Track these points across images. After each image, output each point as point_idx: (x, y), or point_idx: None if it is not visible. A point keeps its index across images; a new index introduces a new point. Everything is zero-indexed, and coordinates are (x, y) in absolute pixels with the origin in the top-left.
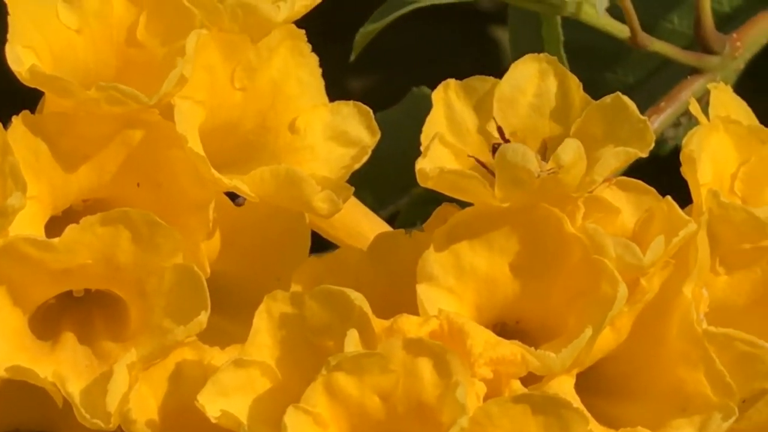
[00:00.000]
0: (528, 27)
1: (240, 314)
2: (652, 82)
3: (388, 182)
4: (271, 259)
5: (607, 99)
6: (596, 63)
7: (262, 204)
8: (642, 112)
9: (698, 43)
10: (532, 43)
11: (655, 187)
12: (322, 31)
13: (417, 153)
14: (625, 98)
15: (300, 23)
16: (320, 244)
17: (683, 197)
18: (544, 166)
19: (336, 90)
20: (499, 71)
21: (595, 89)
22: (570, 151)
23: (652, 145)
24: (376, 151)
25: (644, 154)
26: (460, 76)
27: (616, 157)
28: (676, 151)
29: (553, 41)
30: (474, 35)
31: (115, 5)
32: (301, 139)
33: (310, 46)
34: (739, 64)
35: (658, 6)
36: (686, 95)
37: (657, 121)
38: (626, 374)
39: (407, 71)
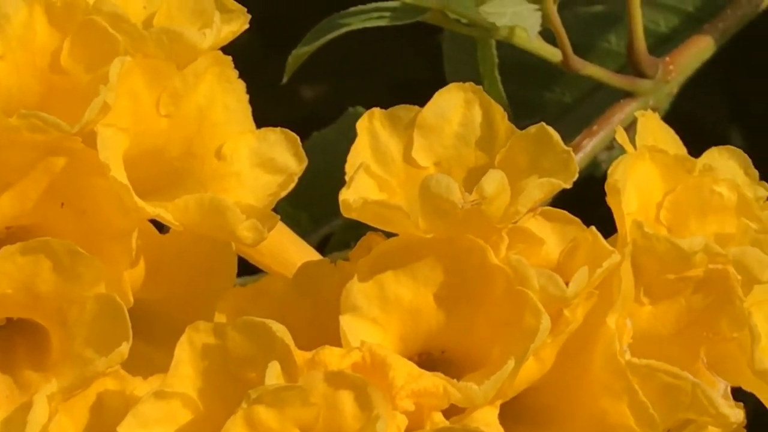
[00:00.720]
0: (463, 49)
1: (166, 342)
2: (590, 102)
3: (324, 202)
4: (197, 287)
5: (532, 129)
6: (533, 81)
7: (186, 232)
8: (579, 131)
9: (631, 67)
10: (467, 64)
11: (588, 210)
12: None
13: None
14: (549, 129)
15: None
16: (250, 267)
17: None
18: (467, 198)
19: (288, 98)
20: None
21: (532, 108)
22: (493, 182)
23: (576, 175)
24: (312, 171)
25: (567, 185)
26: (411, 85)
27: (540, 188)
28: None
29: (488, 63)
30: (425, 45)
31: (38, 31)
32: (228, 165)
33: (236, 72)
34: (672, 88)
35: (595, 26)
36: (619, 118)
37: (590, 145)
38: (550, 404)
39: (359, 78)
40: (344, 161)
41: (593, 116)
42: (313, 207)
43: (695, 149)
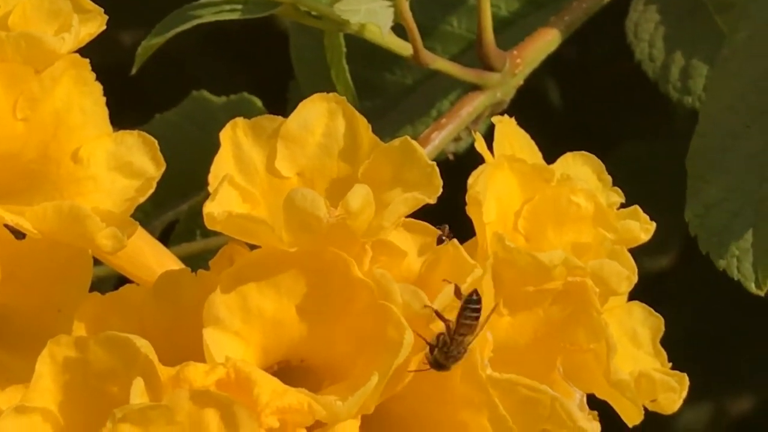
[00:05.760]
0: (311, 37)
1: (22, 347)
2: (431, 84)
3: (166, 185)
4: (53, 292)
5: (396, 142)
6: (375, 63)
7: (45, 238)
8: (421, 113)
9: (479, 60)
10: (314, 51)
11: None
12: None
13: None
14: (413, 142)
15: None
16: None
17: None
18: (332, 212)
19: (105, 44)
20: None
21: (373, 89)
22: (359, 197)
23: (440, 190)
24: None
25: (432, 201)
26: (226, 34)
27: (405, 203)
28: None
29: (336, 52)
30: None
31: None
32: (84, 169)
33: (93, 74)
34: (519, 80)
35: (437, 9)
36: (467, 111)
37: (438, 138)
38: (411, 415)
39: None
40: (187, 145)
41: (435, 99)
42: (157, 191)
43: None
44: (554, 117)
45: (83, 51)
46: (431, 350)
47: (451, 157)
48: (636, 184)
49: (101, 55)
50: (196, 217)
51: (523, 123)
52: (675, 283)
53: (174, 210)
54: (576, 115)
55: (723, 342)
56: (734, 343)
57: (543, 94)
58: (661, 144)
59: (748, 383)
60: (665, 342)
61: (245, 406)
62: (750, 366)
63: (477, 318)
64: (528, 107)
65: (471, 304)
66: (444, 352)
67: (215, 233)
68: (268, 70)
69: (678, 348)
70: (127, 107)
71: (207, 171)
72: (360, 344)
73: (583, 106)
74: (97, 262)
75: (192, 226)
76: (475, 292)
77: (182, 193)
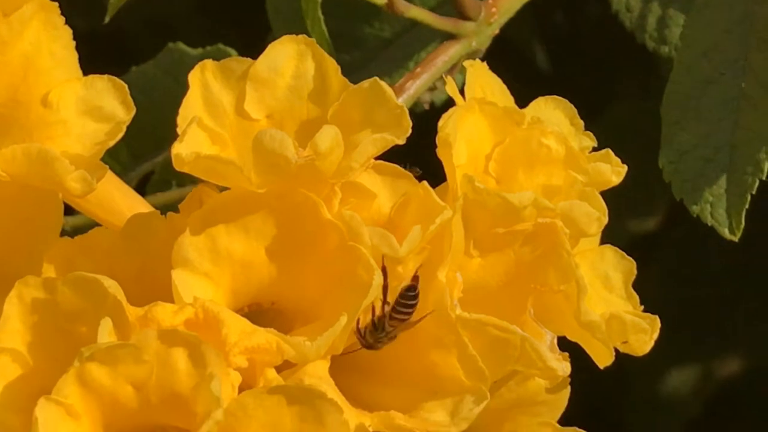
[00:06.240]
0: None
1: None
2: (408, 37)
3: (143, 137)
4: (23, 236)
5: (365, 84)
6: (353, 16)
7: (14, 181)
8: (398, 66)
9: (455, 8)
10: (290, 3)
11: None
12: None
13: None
14: (383, 84)
15: None
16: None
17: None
18: (301, 153)
19: None
20: None
21: (351, 42)
22: (327, 138)
23: (409, 131)
24: None
25: (401, 141)
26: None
27: (374, 144)
28: (431, 111)
29: (310, 1)
30: None
31: None
32: (54, 113)
33: (63, 18)
34: (494, 30)
35: None
36: (442, 60)
37: (413, 87)
38: (381, 356)
39: None
40: (163, 96)
41: (413, 51)
42: (133, 143)
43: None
44: (542, 81)
45: (70, 13)
46: (363, 331)
47: (426, 106)
48: (624, 144)
49: (87, 22)
50: (171, 167)
51: (511, 87)
52: (662, 245)
53: (150, 161)
54: (564, 80)
55: (710, 304)
56: (721, 306)
57: (531, 59)
58: (649, 104)
59: (735, 345)
60: (652, 305)
61: (213, 346)
62: (737, 328)
63: (410, 314)
64: (516, 72)
65: (405, 300)
66: (375, 335)
67: (191, 182)
68: (258, 31)
69: (665, 311)
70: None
71: None
72: (329, 286)
73: (572, 70)
74: (72, 211)
75: (167, 176)
76: (412, 287)
77: (158, 144)
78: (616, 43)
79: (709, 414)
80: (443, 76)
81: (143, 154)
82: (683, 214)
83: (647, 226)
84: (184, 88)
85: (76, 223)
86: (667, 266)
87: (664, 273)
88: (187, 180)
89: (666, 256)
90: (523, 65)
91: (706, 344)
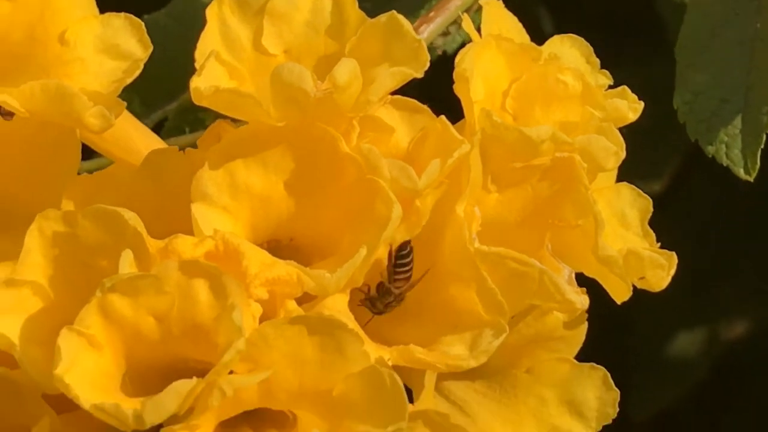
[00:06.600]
0: None
1: (12, 229)
2: None
3: (156, 86)
4: (42, 174)
5: (383, 18)
6: None
7: (32, 118)
8: (414, 11)
9: None
10: None
11: (419, 90)
12: None
13: (184, 57)
14: (401, 18)
15: None
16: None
17: (448, 99)
18: (319, 86)
19: None
20: None
21: None
22: (345, 71)
23: (427, 65)
24: None
25: (419, 75)
26: None
27: (392, 77)
28: (444, 58)
29: None
30: None
31: None
32: (71, 51)
33: None
34: None
35: None
36: (455, 4)
37: (426, 31)
38: None
39: None
40: (175, 46)
41: None
42: (145, 91)
43: None
44: None
45: None
46: (372, 300)
47: (439, 52)
48: None
49: None
50: (185, 113)
51: None
52: (667, 208)
53: (163, 109)
54: None
55: (716, 268)
56: (727, 269)
57: (535, 23)
58: (655, 69)
59: (741, 308)
60: None
61: (234, 277)
62: (743, 291)
63: (409, 271)
64: None
65: (400, 260)
66: (383, 300)
67: (204, 128)
68: None
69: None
70: None
71: (195, 70)
72: (348, 220)
73: (576, 34)
74: (87, 156)
75: (181, 123)
76: (404, 244)
77: (171, 92)
78: (622, 5)
79: (715, 376)
80: (459, 15)
81: (156, 103)
82: (689, 178)
83: (653, 188)
84: (195, 36)
85: (90, 167)
86: (671, 228)
87: (668, 235)
88: (200, 126)
89: (671, 219)
90: (527, 28)
91: (711, 307)
